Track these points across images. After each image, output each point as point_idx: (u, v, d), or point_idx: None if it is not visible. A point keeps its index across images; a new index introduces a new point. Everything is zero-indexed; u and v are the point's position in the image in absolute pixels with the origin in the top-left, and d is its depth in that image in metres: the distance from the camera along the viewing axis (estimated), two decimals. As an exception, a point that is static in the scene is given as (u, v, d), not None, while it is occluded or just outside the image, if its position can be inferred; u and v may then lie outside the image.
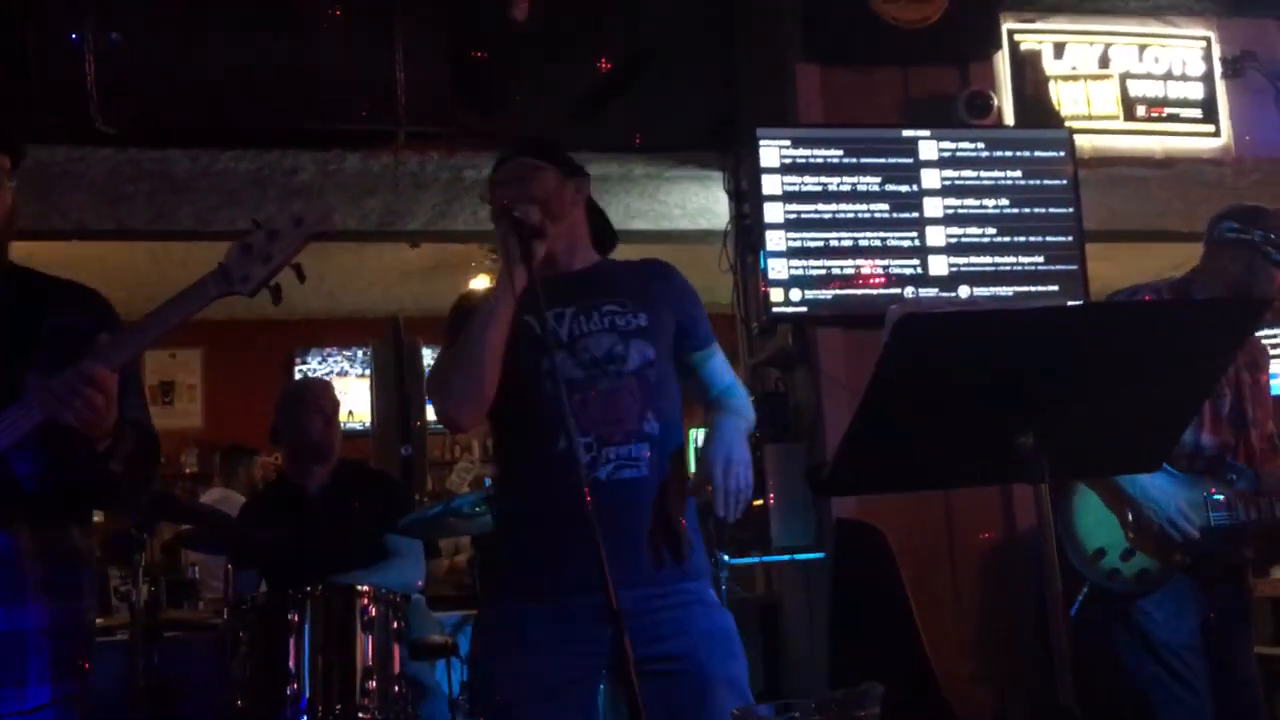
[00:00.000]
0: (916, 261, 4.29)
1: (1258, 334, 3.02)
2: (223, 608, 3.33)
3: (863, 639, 3.81)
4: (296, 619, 2.86)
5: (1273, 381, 3.14)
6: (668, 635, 2.01)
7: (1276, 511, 2.86)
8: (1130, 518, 2.88)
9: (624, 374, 2.08)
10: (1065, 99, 4.95)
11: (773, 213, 4.23)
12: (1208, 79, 5.08)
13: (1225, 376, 2.87)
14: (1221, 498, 2.87)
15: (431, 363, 8.25)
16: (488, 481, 3.24)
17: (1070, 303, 4.05)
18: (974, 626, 4.13)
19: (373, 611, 2.90)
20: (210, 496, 6.03)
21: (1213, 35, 5.12)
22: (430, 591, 4.59)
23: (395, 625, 2.97)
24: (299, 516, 3.43)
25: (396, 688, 2.93)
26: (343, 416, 8.85)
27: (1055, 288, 4.32)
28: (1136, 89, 5.02)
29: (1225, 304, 1.62)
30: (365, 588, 2.94)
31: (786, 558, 4.13)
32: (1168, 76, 5.05)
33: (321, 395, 3.68)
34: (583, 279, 2.20)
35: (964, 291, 4.31)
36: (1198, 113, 5.06)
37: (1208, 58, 5.09)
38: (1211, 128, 5.06)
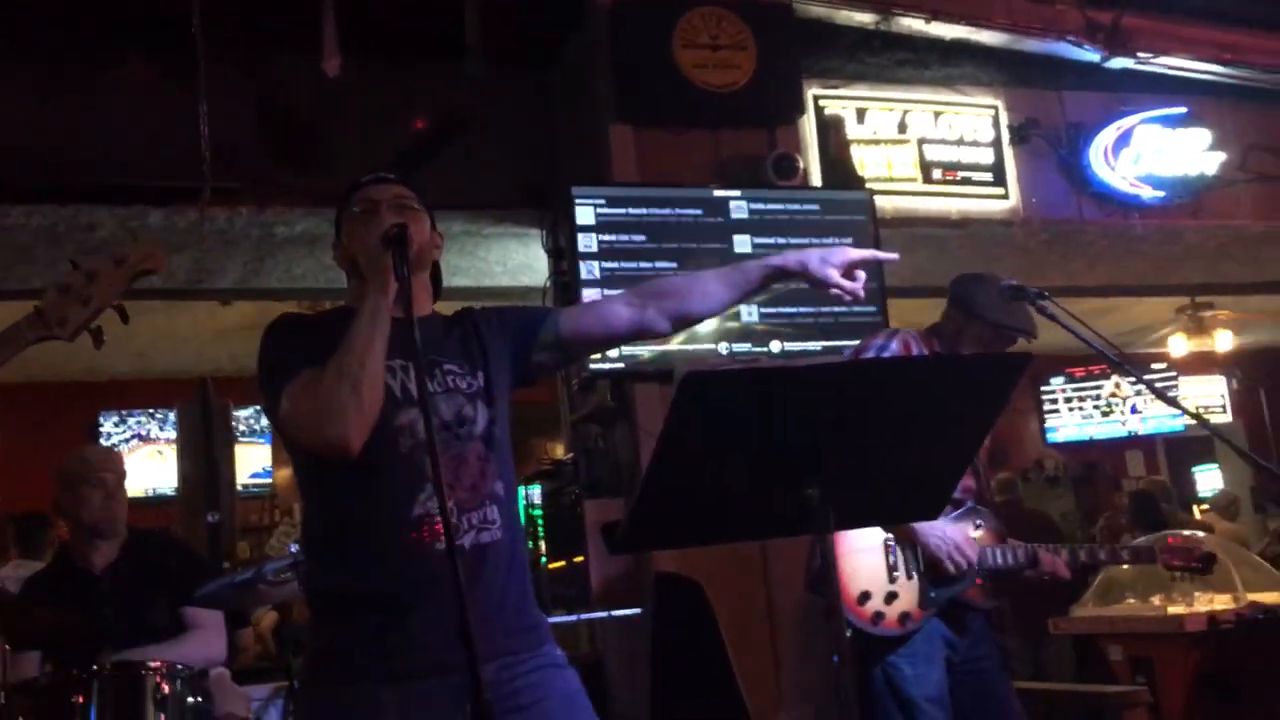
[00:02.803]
0: (731, 316, 4.40)
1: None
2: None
3: (683, 693, 3.82)
4: (82, 700, 2.67)
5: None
6: (527, 705, 1.89)
7: (1021, 556, 3.01)
8: (895, 558, 2.95)
9: (473, 437, 1.99)
10: (868, 162, 5.19)
11: (588, 270, 4.28)
12: (996, 145, 5.41)
13: None
14: (983, 533, 3.00)
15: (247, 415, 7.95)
16: (293, 548, 3.07)
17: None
18: (792, 677, 4.19)
19: (166, 689, 2.74)
20: (7, 570, 5.60)
21: (1000, 104, 5.47)
22: (238, 664, 4.40)
23: (191, 701, 2.83)
24: (86, 597, 3.19)
25: (193, 768, 2.78)
26: (151, 483, 8.48)
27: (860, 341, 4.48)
28: (932, 153, 5.31)
29: (996, 358, 1.71)
30: (156, 663, 2.78)
31: (605, 614, 4.12)
32: (960, 142, 5.36)
33: (103, 467, 3.33)
34: (422, 332, 1.99)
35: (775, 346, 4.43)
36: (989, 176, 5.39)
37: (996, 125, 5.43)
38: (1001, 190, 5.39)
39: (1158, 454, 10.19)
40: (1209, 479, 10.09)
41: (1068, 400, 10.08)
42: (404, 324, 1.89)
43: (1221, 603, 4.85)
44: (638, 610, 4.05)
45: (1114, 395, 9.85)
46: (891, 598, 2.93)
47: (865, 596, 2.91)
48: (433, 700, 1.83)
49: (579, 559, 4.31)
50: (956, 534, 2.92)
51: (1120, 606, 5.16)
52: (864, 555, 2.95)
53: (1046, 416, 10.14)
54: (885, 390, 1.74)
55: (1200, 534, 5.61)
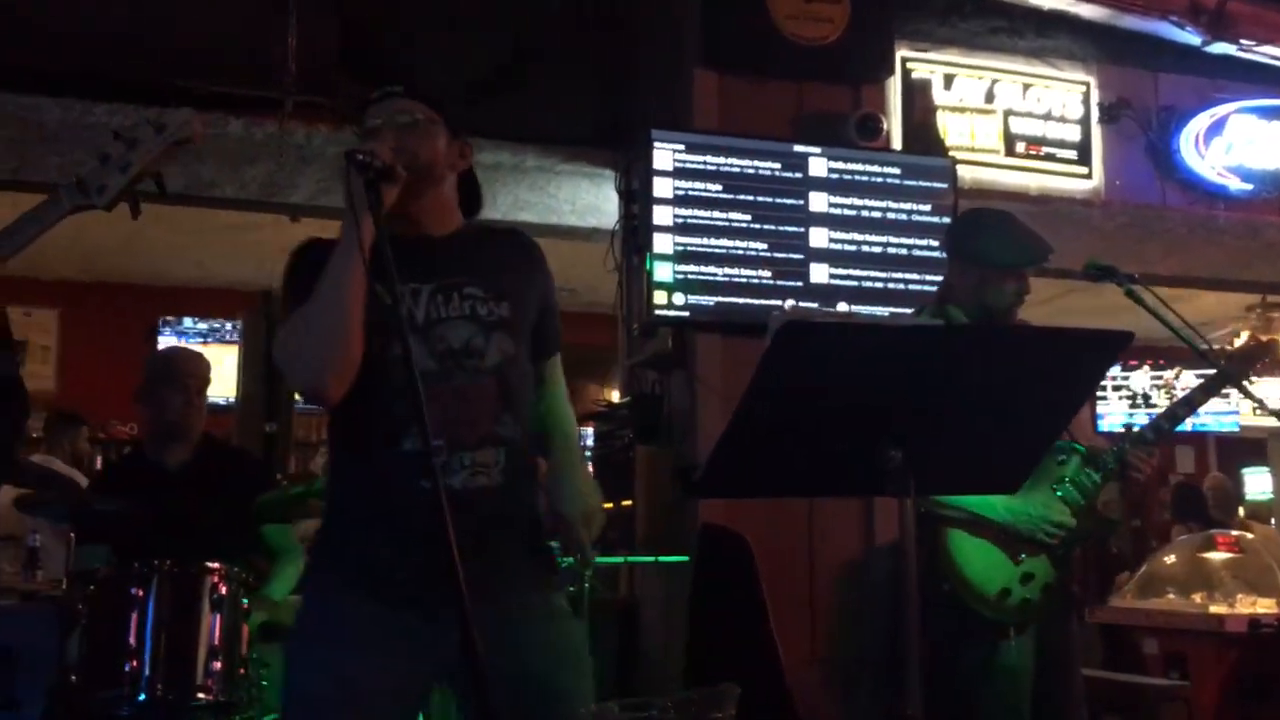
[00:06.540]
0: (799, 274, 4.36)
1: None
2: (62, 579, 3.18)
3: (718, 643, 3.84)
4: (141, 593, 2.74)
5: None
6: (506, 650, 1.82)
7: (1112, 461, 2.92)
8: (1010, 543, 2.88)
9: (482, 370, 1.89)
10: (951, 129, 5.10)
11: (662, 215, 4.24)
12: (1084, 123, 5.29)
13: None
14: (1069, 478, 2.92)
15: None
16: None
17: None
18: (827, 638, 4.20)
19: (223, 590, 2.80)
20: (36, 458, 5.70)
21: (1092, 81, 5.34)
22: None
23: (245, 605, 2.88)
24: (156, 493, 3.26)
25: (242, 669, 2.84)
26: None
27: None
28: (1018, 126, 5.20)
29: (1099, 334, 1.67)
30: (216, 565, 2.83)
31: (650, 559, 4.13)
32: (1048, 117, 5.25)
33: (187, 370, 3.45)
34: (444, 248, 1.96)
35: (841, 307, 4.39)
36: (1073, 154, 5.28)
37: (1086, 102, 5.31)
38: (1085, 170, 5.28)
39: (1208, 452, 10.05)
40: (1258, 481, 9.95)
41: (1116, 389, 9.92)
42: (419, 244, 1.88)
43: (1265, 606, 4.80)
44: (685, 558, 4.05)
45: (1164, 386, 9.67)
46: (1028, 578, 2.87)
47: (1005, 593, 2.85)
48: (416, 625, 1.82)
49: (626, 503, 4.32)
50: (1032, 508, 2.85)
51: (1160, 601, 5.13)
52: (981, 554, 2.87)
53: (1096, 403, 9.98)
54: (983, 358, 1.71)
55: (1249, 535, 5.56)
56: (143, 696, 2.70)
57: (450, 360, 1.87)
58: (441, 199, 1.99)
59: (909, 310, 4.42)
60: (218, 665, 2.77)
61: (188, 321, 8.53)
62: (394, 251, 1.68)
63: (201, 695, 2.75)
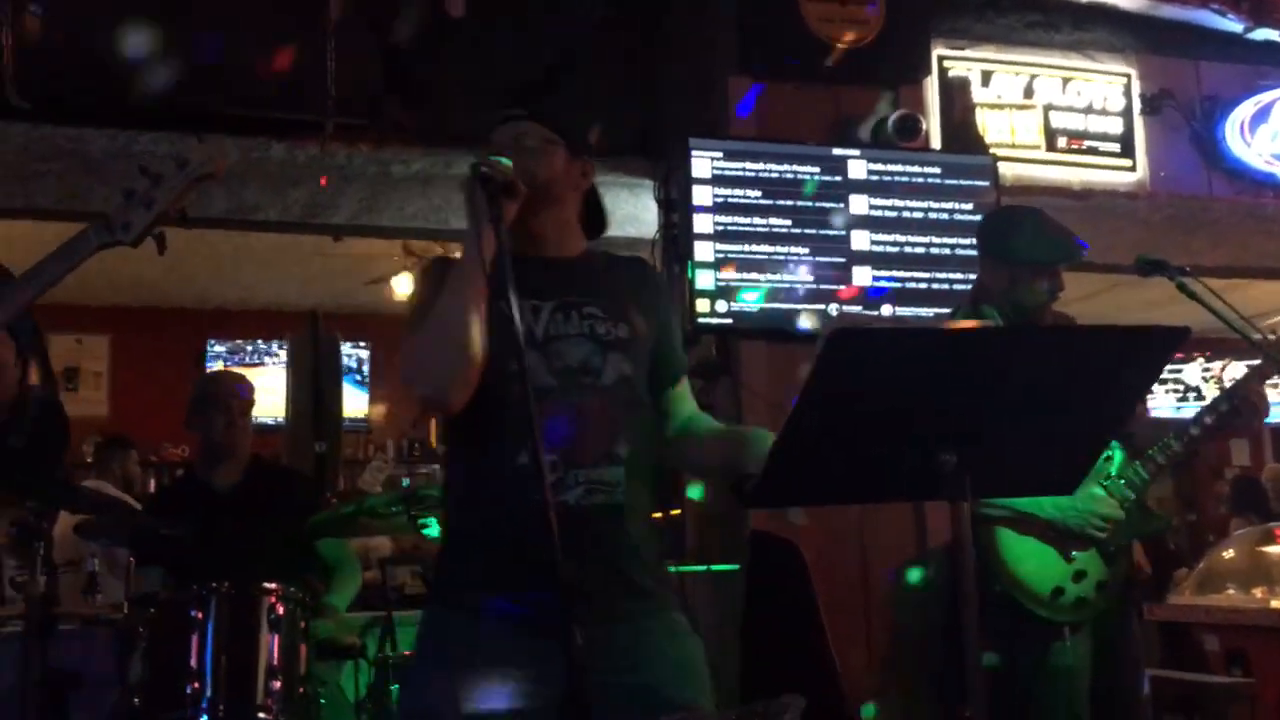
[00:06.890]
0: (842, 278, 4.34)
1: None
2: (123, 603, 3.22)
3: (774, 651, 3.82)
4: (200, 616, 2.77)
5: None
6: (629, 666, 1.84)
7: (1162, 459, 2.89)
8: (1060, 540, 2.85)
9: (598, 388, 1.89)
10: (990, 126, 5.07)
11: (702, 223, 4.24)
12: (1127, 115, 5.24)
13: None
14: (1115, 474, 2.90)
15: (350, 354, 8.16)
16: (405, 482, 3.17)
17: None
18: (882, 642, 4.17)
19: (280, 610, 2.83)
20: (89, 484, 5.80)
21: (1133, 73, 5.28)
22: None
23: (303, 625, 2.91)
24: (208, 514, 3.31)
25: (301, 689, 2.86)
26: (255, 411, 8.68)
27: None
28: (1058, 121, 5.16)
29: (1156, 330, 1.65)
30: (273, 585, 2.86)
31: (701, 568, 4.12)
32: (1089, 110, 5.20)
33: (229, 392, 3.51)
34: (566, 270, 1.97)
35: (885, 310, 4.37)
36: (1116, 147, 5.22)
37: (1128, 94, 5.25)
38: (1128, 162, 5.23)
39: (1264, 444, 9.88)
40: (1317, 473, 9.76)
41: (1163, 382, 9.79)
42: (542, 264, 1.90)
43: (1328, 599, 4.71)
44: (735, 567, 4.04)
45: (1214, 378, 9.53)
46: (1080, 576, 2.83)
47: (1059, 592, 2.82)
48: (527, 648, 1.79)
49: (675, 512, 4.31)
50: (1081, 504, 2.82)
51: (1219, 597, 5.04)
52: (1032, 553, 2.83)
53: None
54: (1037, 358, 1.69)
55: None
56: (205, 718, 2.73)
57: (568, 377, 1.88)
58: (563, 219, 2.01)
59: (949, 311, 4.39)
60: (277, 685, 2.79)
61: (228, 344, 8.63)
62: (517, 269, 1.70)
63: (262, 715, 2.77)
